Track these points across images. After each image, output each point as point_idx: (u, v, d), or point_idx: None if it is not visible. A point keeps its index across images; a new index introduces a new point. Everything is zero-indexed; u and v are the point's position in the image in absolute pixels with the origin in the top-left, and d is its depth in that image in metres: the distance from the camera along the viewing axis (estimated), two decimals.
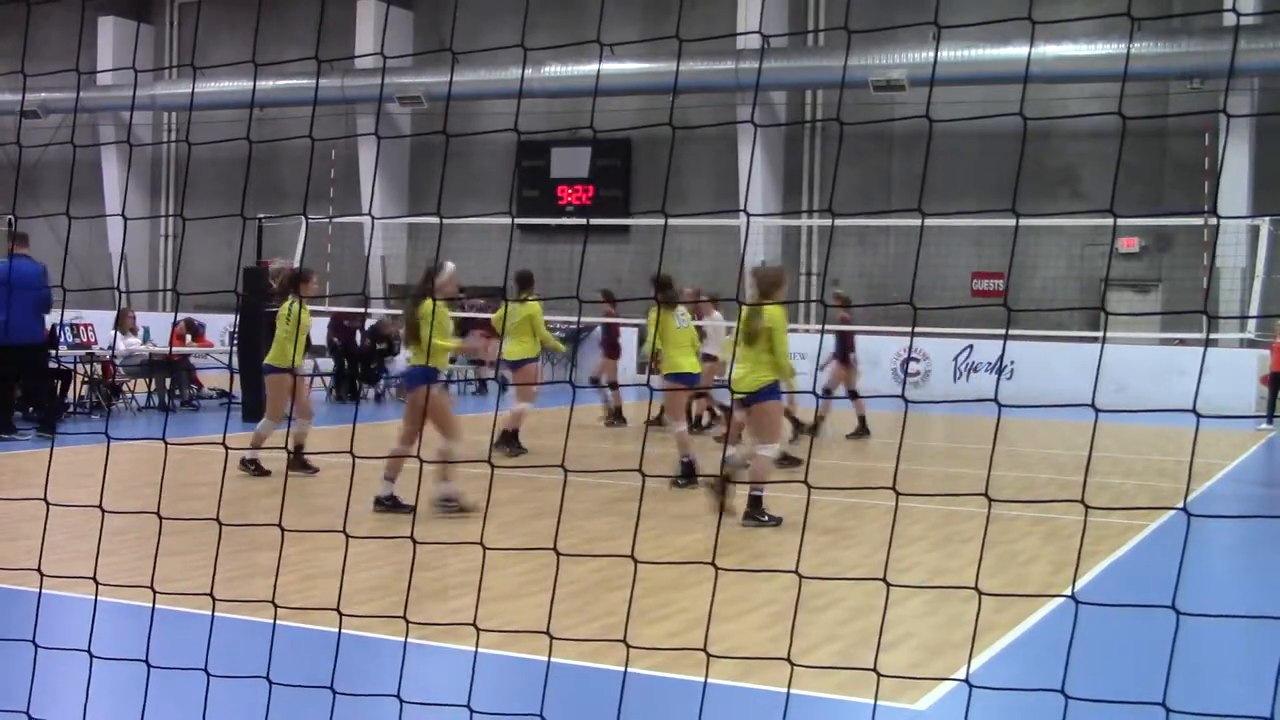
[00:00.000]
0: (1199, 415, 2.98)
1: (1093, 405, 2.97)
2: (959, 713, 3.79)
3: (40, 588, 4.19)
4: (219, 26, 31.16)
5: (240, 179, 28.18)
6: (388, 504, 9.15)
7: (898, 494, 2.99)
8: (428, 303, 9.05)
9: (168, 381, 16.97)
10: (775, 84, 25.63)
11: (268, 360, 11.23)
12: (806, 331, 25.28)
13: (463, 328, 21.16)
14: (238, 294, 16.16)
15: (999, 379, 3.56)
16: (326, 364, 20.16)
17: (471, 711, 3.41)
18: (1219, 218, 4.44)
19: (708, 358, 14.99)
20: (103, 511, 3.67)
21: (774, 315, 9.11)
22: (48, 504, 3.81)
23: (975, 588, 3.24)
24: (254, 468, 11.02)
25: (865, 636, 6.07)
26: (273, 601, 3.91)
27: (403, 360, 13.57)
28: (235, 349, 16.78)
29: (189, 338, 18.50)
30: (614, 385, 16.95)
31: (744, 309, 9.24)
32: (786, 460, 12.00)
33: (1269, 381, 19.31)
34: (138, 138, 32.33)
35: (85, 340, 16.16)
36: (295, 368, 11.07)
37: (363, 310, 20.40)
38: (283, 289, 11.51)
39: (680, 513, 9.82)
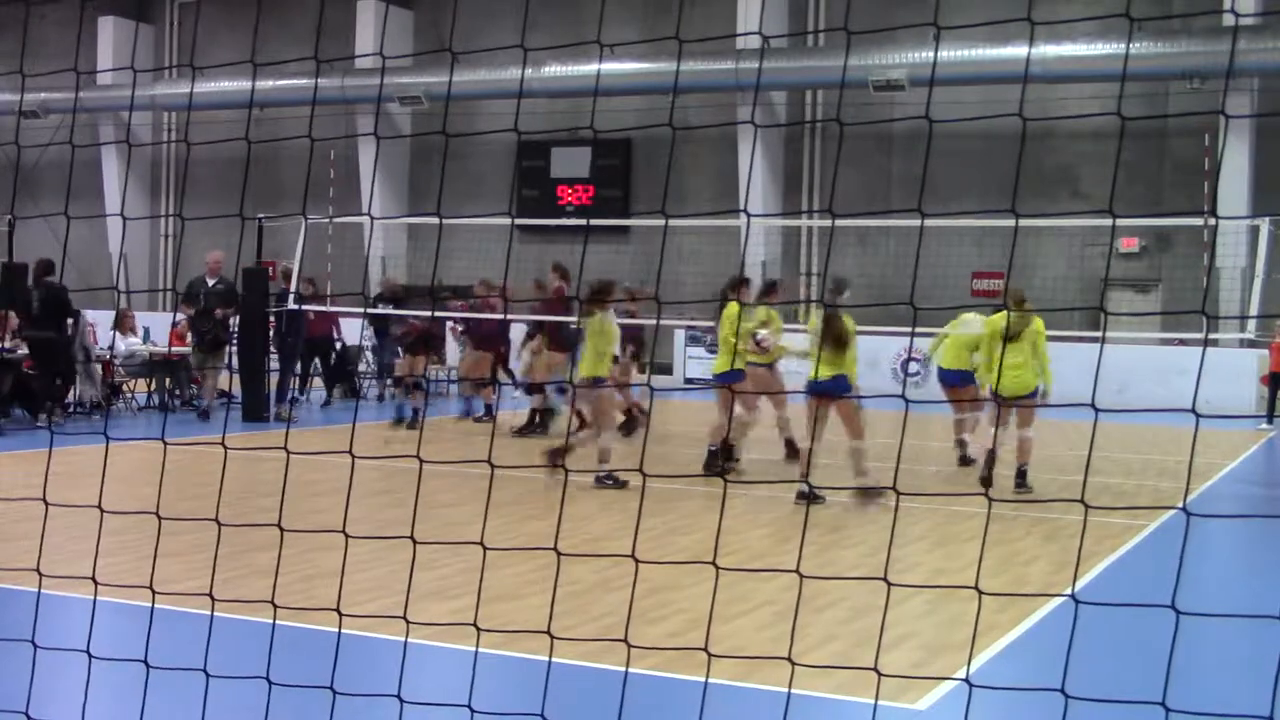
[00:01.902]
0: (1198, 415, 2.98)
1: (1093, 405, 2.97)
2: (959, 712, 3.79)
3: (39, 588, 4.18)
4: (219, 26, 31.13)
5: (240, 179, 28.15)
6: (868, 496, 10.08)
7: (898, 494, 2.99)
8: (848, 318, 10.39)
9: (168, 381, 16.95)
10: (775, 84, 25.62)
11: (587, 374, 10.98)
12: (806, 332, 25.23)
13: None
14: (239, 294, 16.18)
15: (998, 379, 3.55)
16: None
17: (472, 711, 3.41)
18: (1219, 218, 4.43)
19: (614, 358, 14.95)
20: (101, 511, 3.67)
21: (1040, 322, 11.37)
22: (47, 504, 3.81)
23: (976, 587, 3.23)
24: (612, 482, 10.84)
25: (866, 636, 6.07)
26: (272, 602, 3.91)
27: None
28: (235, 349, 16.75)
29: (189, 337, 18.47)
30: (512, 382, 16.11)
31: (1004, 316, 11.31)
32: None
33: (1269, 381, 19.30)
34: (137, 138, 32.31)
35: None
36: (604, 378, 10.95)
37: (361, 310, 20.24)
38: (592, 299, 11.15)
39: (680, 513, 9.82)
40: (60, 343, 14.75)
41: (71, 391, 15.96)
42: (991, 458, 11.13)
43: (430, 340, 16.29)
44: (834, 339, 10.28)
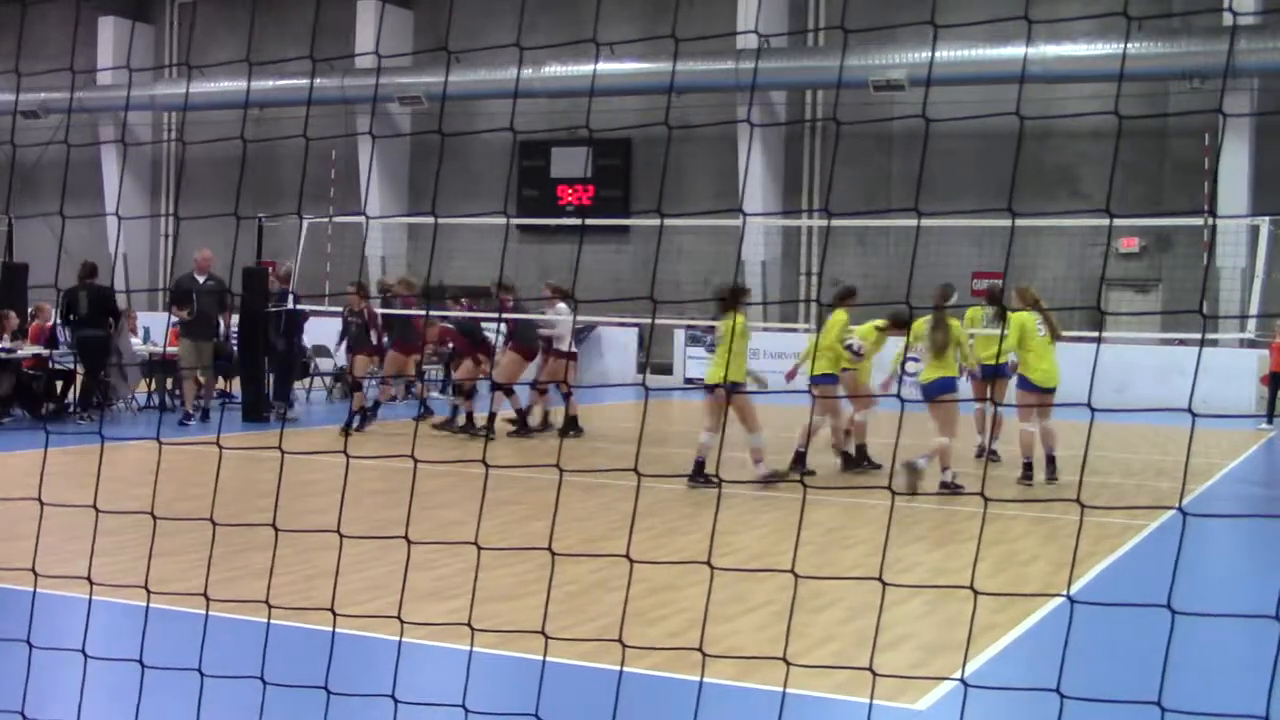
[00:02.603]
0: (1194, 415, 2.98)
1: (1089, 405, 2.96)
2: (958, 713, 3.79)
3: (35, 587, 4.18)
4: (218, 26, 31.14)
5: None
6: (952, 488, 10.83)
7: (894, 494, 2.98)
8: (955, 320, 11.20)
9: (168, 382, 16.93)
10: (775, 84, 25.61)
11: (731, 378, 10.81)
12: (807, 331, 25.27)
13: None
14: (232, 292, 16.14)
15: (994, 378, 3.57)
16: (326, 363, 20.15)
17: (467, 711, 3.40)
18: (1216, 217, 4.44)
19: (570, 355, 14.95)
20: (97, 511, 3.67)
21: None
22: (42, 504, 3.80)
23: (971, 587, 3.23)
24: (776, 478, 10.98)
25: (865, 637, 6.06)
26: (266, 601, 3.90)
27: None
28: (235, 349, 16.73)
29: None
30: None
31: (1045, 314, 11.79)
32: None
33: (1269, 381, 19.28)
34: (136, 137, 32.30)
35: None
36: (742, 382, 11.09)
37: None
38: (729, 302, 11.10)
39: (680, 513, 9.81)
40: (109, 342, 15.18)
41: (68, 392, 16.00)
42: (1049, 462, 11.77)
43: (366, 340, 15.44)
44: (937, 344, 11.05)
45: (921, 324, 11.37)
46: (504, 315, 16.19)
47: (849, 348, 12.10)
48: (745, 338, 11.17)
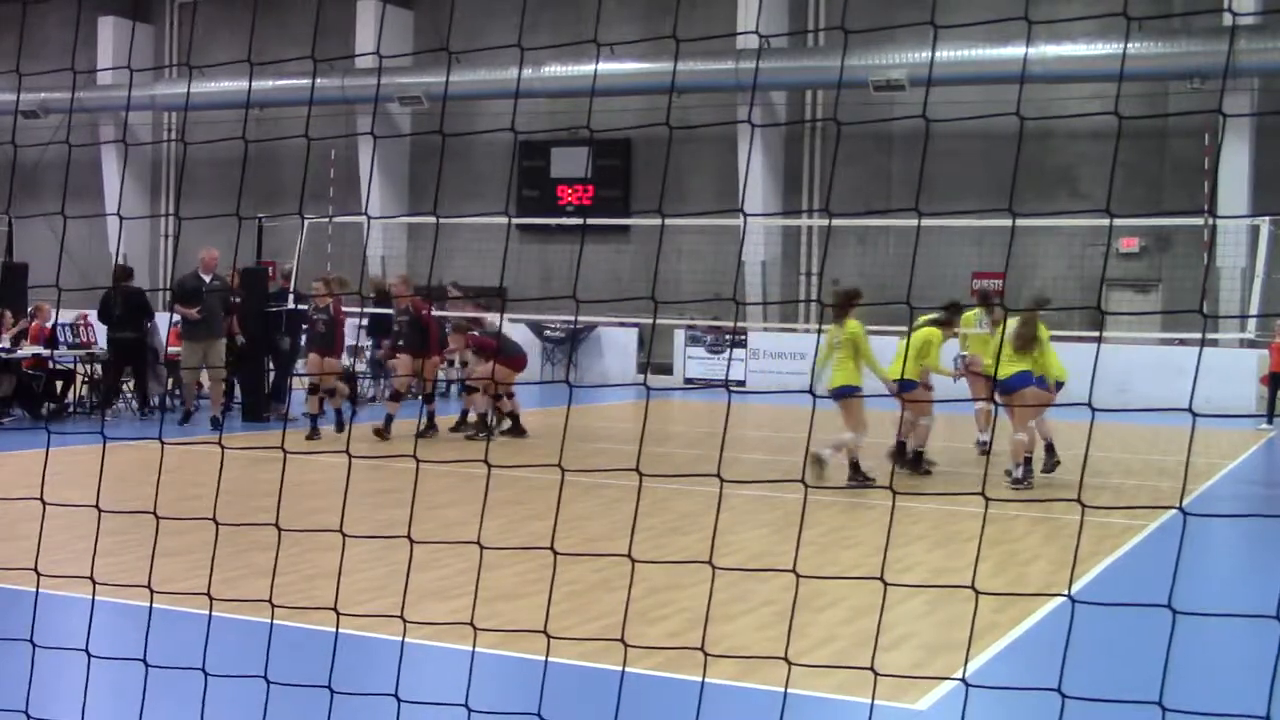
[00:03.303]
0: (1195, 414, 2.99)
1: (1089, 405, 2.97)
2: (959, 712, 3.80)
3: (37, 587, 4.19)
4: (219, 26, 31.13)
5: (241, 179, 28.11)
6: (1024, 483, 11.27)
7: (894, 493, 2.99)
8: (1042, 324, 11.38)
9: (169, 382, 16.93)
10: (775, 84, 25.61)
11: (844, 383, 11.15)
12: (806, 331, 25.28)
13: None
14: (235, 293, 16.14)
15: (994, 376, 3.58)
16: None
17: (469, 710, 3.41)
18: (1215, 217, 4.45)
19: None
20: (99, 511, 3.68)
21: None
22: (44, 503, 3.81)
23: (972, 587, 3.23)
24: (862, 478, 11.24)
25: (866, 636, 6.07)
26: (269, 601, 3.91)
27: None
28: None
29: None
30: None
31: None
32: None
33: (1269, 381, 19.29)
34: (137, 137, 32.29)
35: (85, 340, 16.15)
36: (858, 386, 11.28)
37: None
38: (842, 306, 11.49)
39: (680, 513, 9.82)
40: (142, 343, 15.61)
41: (68, 392, 16.01)
42: (1051, 450, 12.21)
43: (333, 339, 14.83)
44: (1022, 340, 11.26)
45: (1013, 322, 11.72)
46: (443, 313, 16.08)
47: (966, 365, 12.72)
48: (865, 341, 11.31)
